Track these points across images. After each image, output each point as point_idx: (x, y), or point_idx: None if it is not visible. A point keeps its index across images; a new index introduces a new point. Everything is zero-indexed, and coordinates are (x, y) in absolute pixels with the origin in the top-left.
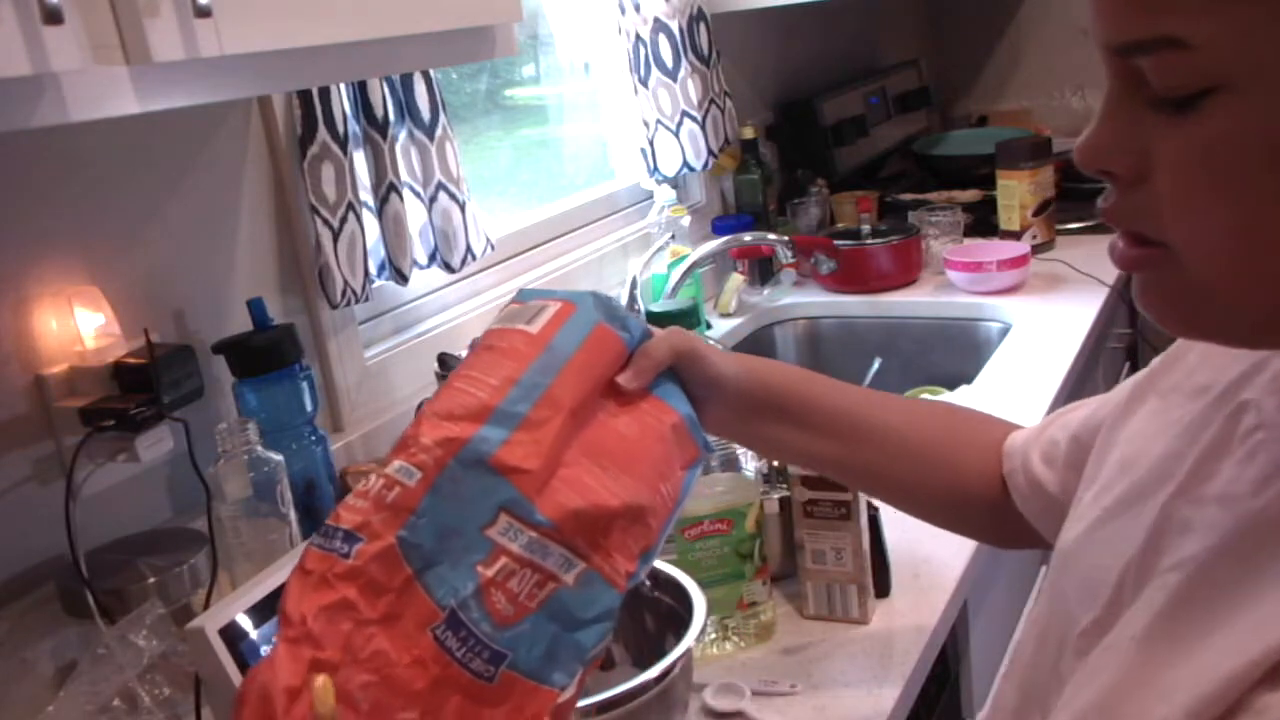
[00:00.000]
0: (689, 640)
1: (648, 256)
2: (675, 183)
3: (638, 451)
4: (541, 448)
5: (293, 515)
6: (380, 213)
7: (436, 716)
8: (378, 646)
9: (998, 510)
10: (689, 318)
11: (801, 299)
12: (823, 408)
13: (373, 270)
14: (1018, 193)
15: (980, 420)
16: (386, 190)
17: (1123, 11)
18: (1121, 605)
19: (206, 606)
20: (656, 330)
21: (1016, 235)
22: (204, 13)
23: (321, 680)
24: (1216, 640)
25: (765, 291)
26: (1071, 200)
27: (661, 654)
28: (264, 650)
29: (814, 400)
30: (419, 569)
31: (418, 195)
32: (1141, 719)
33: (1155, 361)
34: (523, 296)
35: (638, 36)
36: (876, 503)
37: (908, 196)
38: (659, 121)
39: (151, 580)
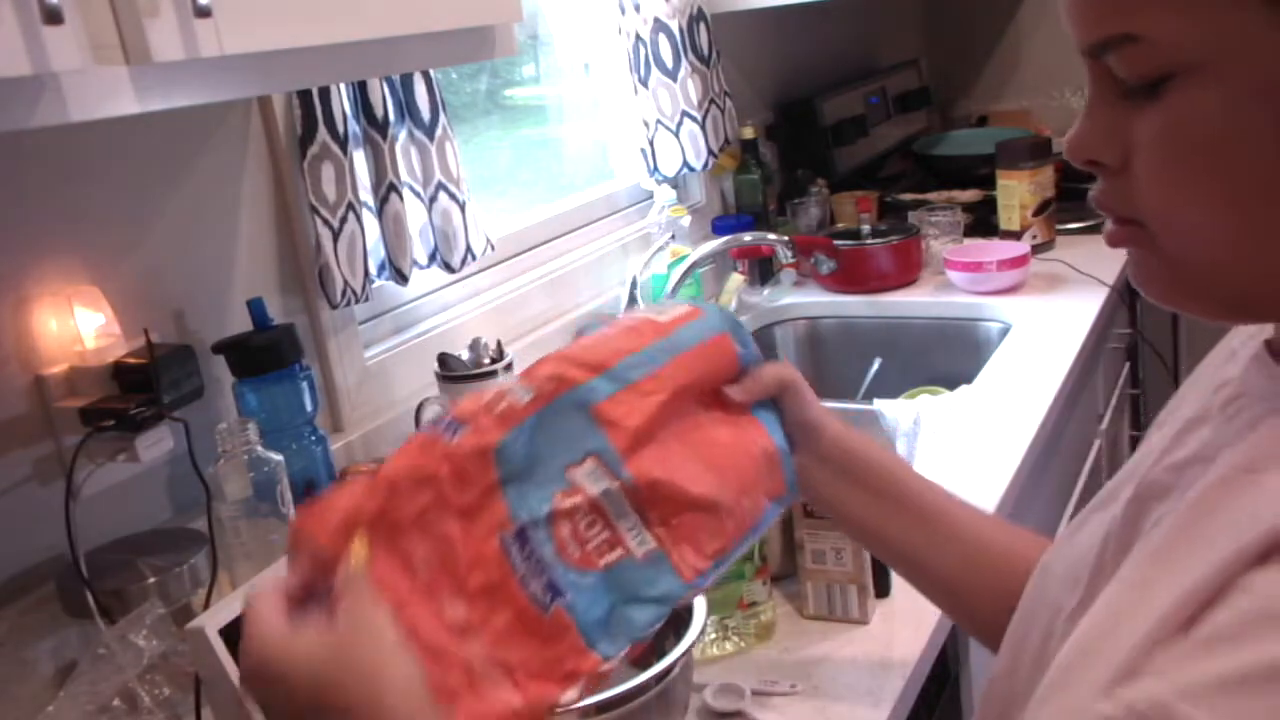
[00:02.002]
0: (689, 640)
1: (648, 256)
2: (675, 183)
3: (727, 458)
4: (641, 414)
5: (293, 515)
6: (380, 213)
7: (484, 622)
8: (448, 530)
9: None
10: None
11: (801, 299)
12: (909, 488)
13: (373, 270)
14: (1018, 193)
15: (1035, 542)
16: (386, 190)
17: (1082, 18)
18: (1102, 578)
19: (206, 606)
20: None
21: (1016, 235)
22: (204, 13)
23: (359, 544)
24: (1200, 549)
25: (765, 291)
26: (1071, 200)
27: (661, 654)
28: None
29: (902, 479)
30: (504, 478)
31: (418, 195)
32: (1132, 636)
33: None
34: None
35: (638, 36)
36: None
37: (908, 196)
38: (659, 121)
39: (151, 580)
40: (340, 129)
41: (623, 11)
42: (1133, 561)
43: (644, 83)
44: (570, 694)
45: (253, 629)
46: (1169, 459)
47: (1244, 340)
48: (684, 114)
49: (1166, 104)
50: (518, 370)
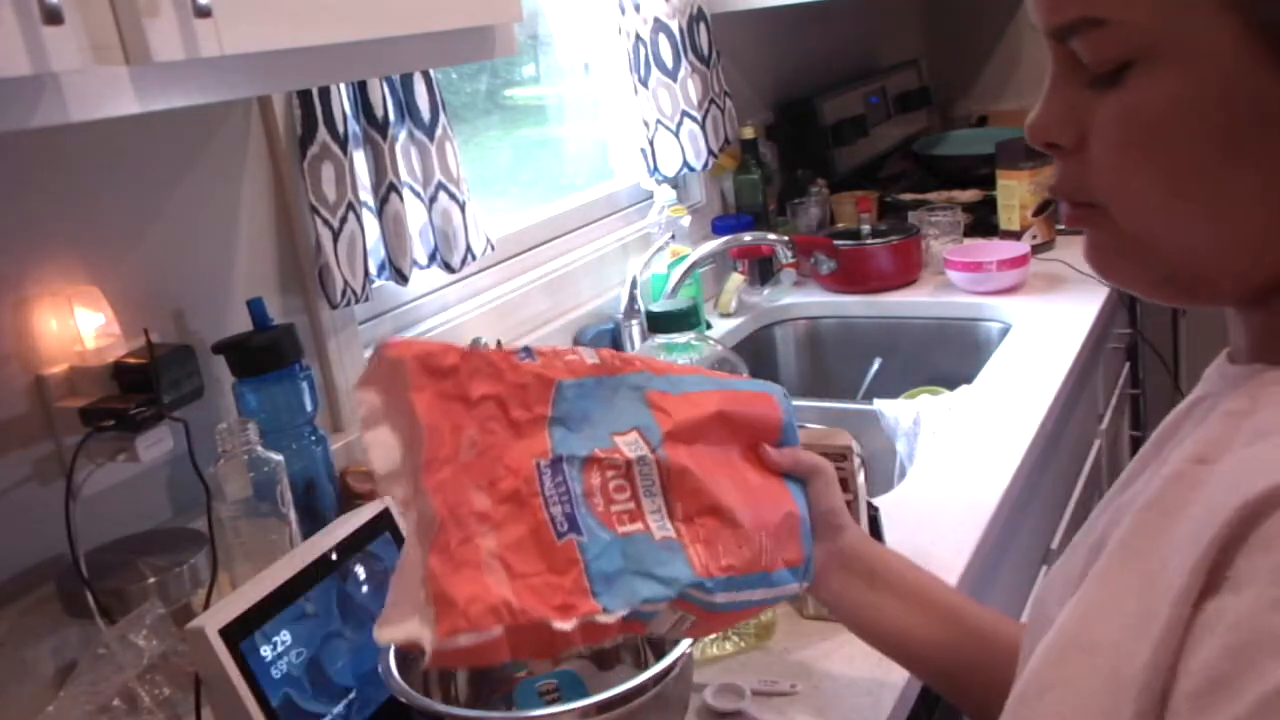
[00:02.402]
0: (689, 640)
1: (648, 256)
2: (675, 183)
3: (755, 497)
4: (688, 416)
5: (293, 515)
6: (380, 213)
7: (502, 524)
8: (497, 430)
9: None
10: (689, 318)
11: (801, 299)
12: (935, 593)
13: (373, 270)
14: (1018, 193)
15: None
16: (386, 190)
17: (1049, 1)
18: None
19: (206, 606)
20: None
21: (1016, 235)
22: (204, 13)
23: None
24: (1161, 551)
25: (765, 291)
26: None
27: (661, 654)
28: (264, 650)
29: (926, 583)
30: (554, 417)
31: (418, 195)
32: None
33: None
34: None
35: (638, 36)
36: (876, 502)
37: (908, 196)
38: (659, 121)
39: (151, 580)
40: (340, 129)
41: (623, 11)
42: (1098, 567)
43: (644, 83)
44: (563, 625)
45: None
46: (1150, 470)
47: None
48: (684, 114)
49: (1127, 89)
50: None
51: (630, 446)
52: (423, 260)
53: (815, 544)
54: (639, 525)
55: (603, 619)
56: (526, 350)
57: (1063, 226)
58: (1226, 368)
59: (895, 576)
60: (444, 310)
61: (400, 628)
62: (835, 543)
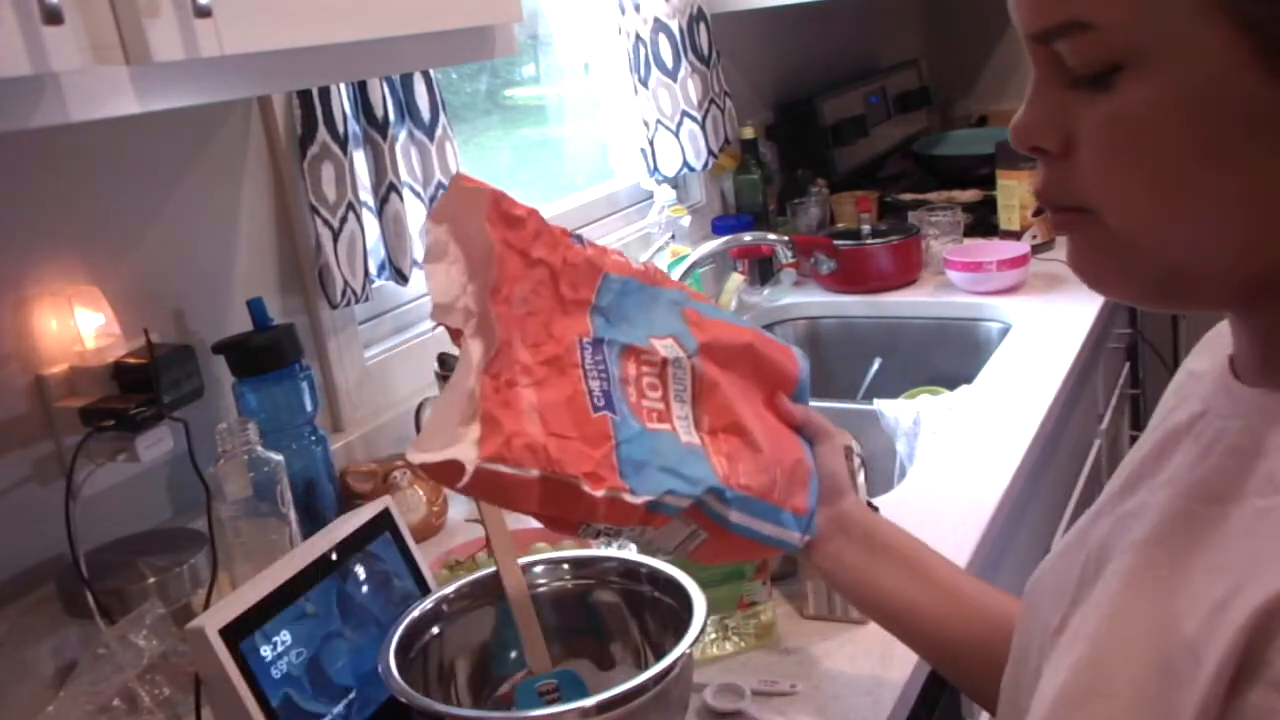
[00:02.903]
0: (689, 640)
1: (648, 256)
2: (675, 183)
3: (773, 436)
4: (721, 337)
5: (293, 515)
6: (380, 213)
7: (542, 384)
8: (546, 299)
9: None
10: None
11: (801, 299)
12: (936, 567)
13: (373, 270)
14: (1018, 193)
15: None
16: (386, 190)
17: (1034, 4)
18: (1083, 595)
19: (206, 606)
20: None
21: (1016, 235)
22: (204, 13)
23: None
24: (1178, 602)
25: (765, 291)
26: None
27: (661, 654)
28: (264, 650)
29: (927, 556)
30: (597, 305)
31: (418, 195)
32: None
33: None
34: None
35: (638, 36)
36: (876, 502)
37: (908, 196)
38: (659, 121)
39: (151, 580)
40: (340, 129)
41: (623, 11)
42: (1106, 591)
43: (644, 83)
44: (592, 491)
45: None
46: (1148, 480)
47: (1205, 358)
48: (684, 114)
49: (1115, 92)
50: None
51: (667, 349)
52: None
53: (820, 508)
54: (667, 425)
55: (629, 498)
56: (578, 237)
57: None
58: (1231, 384)
59: (894, 545)
60: None
61: (437, 451)
62: (836, 506)
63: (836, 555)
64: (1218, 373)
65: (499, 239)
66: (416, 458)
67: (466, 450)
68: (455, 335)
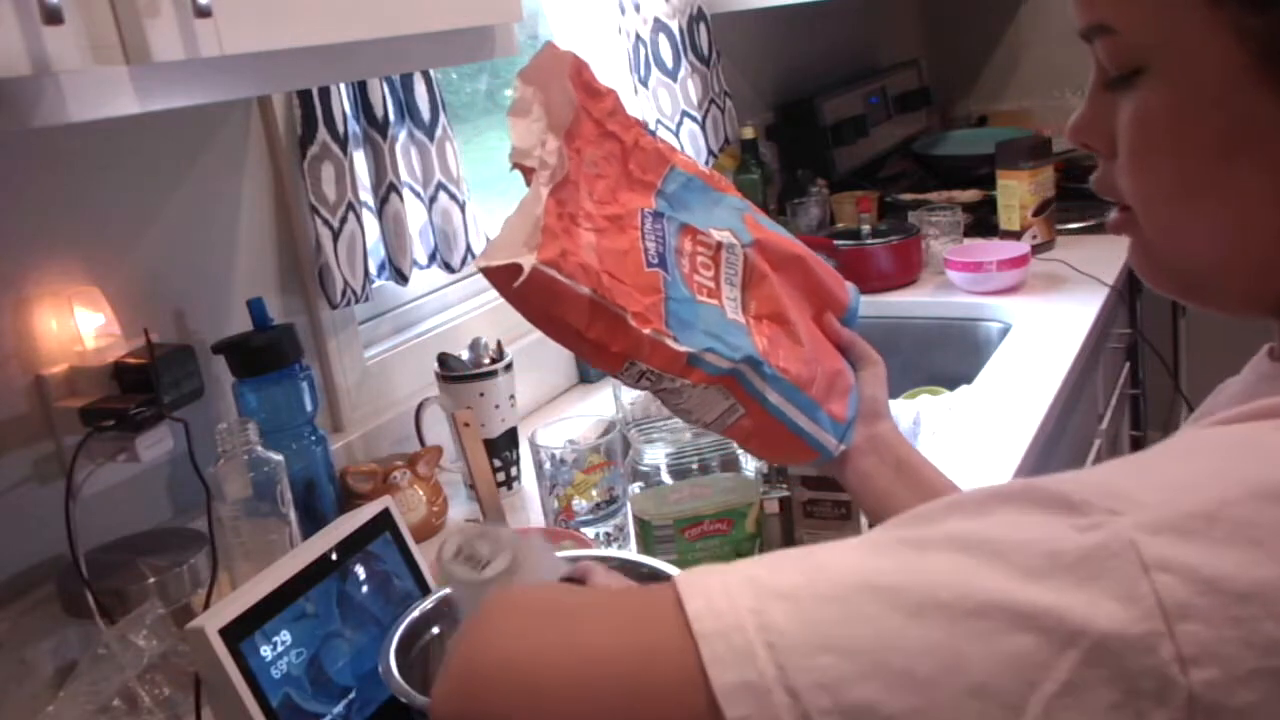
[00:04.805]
0: None
1: None
2: None
3: (817, 343)
4: (776, 241)
5: (293, 515)
6: (380, 213)
7: (603, 234)
8: (614, 170)
9: None
10: None
11: None
12: (948, 489)
13: (373, 270)
14: (1018, 193)
15: None
16: (386, 190)
17: (1076, 3)
18: None
19: (206, 606)
20: None
21: (1016, 235)
22: (204, 13)
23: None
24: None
25: None
26: (1071, 200)
27: None
28: (264, 650)
29: (943, 482)
30: (661, 190)
31: (418, 195)
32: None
33: None
34: None
35: (638, 36)
36: None
37: (908, 196)
38: (659, 121)
39: (151, 580)
40: (340, 129)
41: (623, 11)
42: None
43: (644, 83)
44: (634, 324)
45: None
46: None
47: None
48: (684, 114)
49: (1138, 94)
50: (518, 371)
51: (722, 235)
52: (423, 260)
53: (857, 428)
54: (715, 301)
55: (672, 344)
56: (645, 125)
57: (1063, 226)
58: (1268, 364)
59: (926, 478)
60: (444, 310)
61: (500, 257)
62: (872, 428)
63: (868, 474)
64: (1256, 360)
65: (581, 104)
66: (481, 263)
67: (525, 255)
68: (527, 173)
